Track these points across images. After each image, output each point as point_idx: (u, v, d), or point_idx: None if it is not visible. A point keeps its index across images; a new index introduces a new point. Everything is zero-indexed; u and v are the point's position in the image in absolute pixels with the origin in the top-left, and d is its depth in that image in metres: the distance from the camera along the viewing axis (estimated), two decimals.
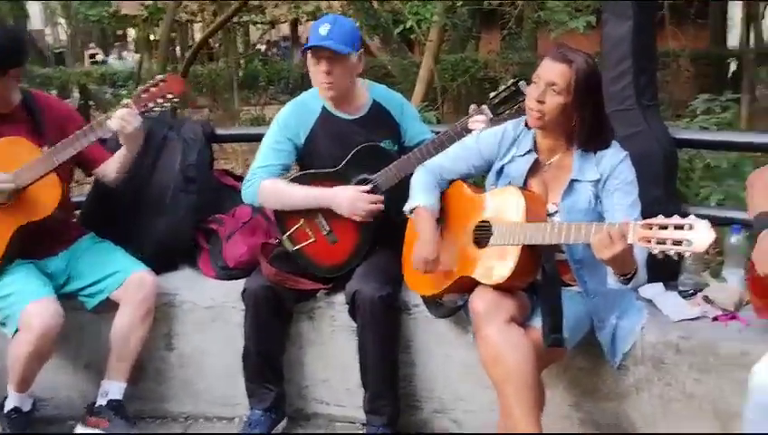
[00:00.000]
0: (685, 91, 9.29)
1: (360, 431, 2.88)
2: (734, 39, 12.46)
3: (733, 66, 11.12)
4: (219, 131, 3.71)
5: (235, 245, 3.11)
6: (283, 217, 2.88)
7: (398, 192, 2.73)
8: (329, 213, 2.80)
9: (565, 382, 2.65)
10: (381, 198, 2.76)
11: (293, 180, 2.88)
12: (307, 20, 14.12)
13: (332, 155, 2.84)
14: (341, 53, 2.69)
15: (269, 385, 2.85)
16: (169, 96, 2.76)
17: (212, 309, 3.02)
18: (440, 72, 9.28)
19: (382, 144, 2.86)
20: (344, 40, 2.71)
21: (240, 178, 3.31)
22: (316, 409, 3.03)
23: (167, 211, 3.17)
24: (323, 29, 2.71)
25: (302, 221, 2.84)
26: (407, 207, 2.59)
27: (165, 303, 3.01)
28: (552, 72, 2.29)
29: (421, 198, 2.55)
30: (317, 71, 2.76)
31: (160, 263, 3.07)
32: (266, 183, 2.83)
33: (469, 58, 10.63)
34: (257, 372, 2.84)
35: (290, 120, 2.89)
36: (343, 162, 2.81)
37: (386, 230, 2.82)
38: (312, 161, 2.90)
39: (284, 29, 24.28)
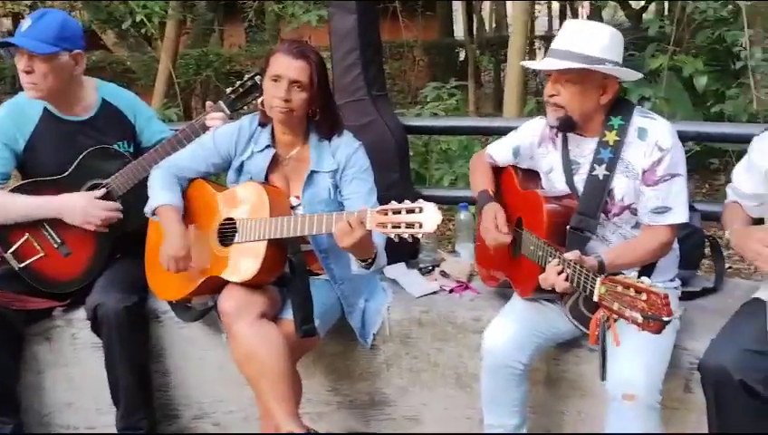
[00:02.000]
0: (420, 79, 9.93)
1: None
2: (460, 30, 13.54)
3: (462, 55, 12.09)
4: None
5: None
6: (5, 233, 2.61)
7: (136, 196, 2.60)
8: (58, 223, 2.59)
9: (321, 368, 2.71)
10: (117, 204, 2.61)
11: (14, 190, 2.61)
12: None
13: (59, 161, 2.62)
14: (35, 52, 2.49)
15: (4, 418, 2.58)
16: None
17: None
18: (183, 67, 8.99)
19: (115, 146, 2.70)
20: (47, 37, 2.49)
21: None
22: None
23: None
24: (25, 25, 2.50)
25: (27, 235, 2.59)
26: (147, 209, 2.47)
27: None
28: (293, 70, 2.30)
29: (162, 196, 2.45)
30: (20, 70, 2.53)
31: None
32: None
33: (213, 52, 10.39)
34: None
35: (5, 124, 2.62)
36: (71, 167, 2.61)
37: (125, 237, 2.67)
38: (35, 169, 2.66)
39: (7, 23, 21.93)
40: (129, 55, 8.85)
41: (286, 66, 2.31)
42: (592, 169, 2.20)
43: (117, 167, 2.64)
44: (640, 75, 2.22)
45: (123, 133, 2.75)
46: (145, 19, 6.03)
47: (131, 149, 2.75)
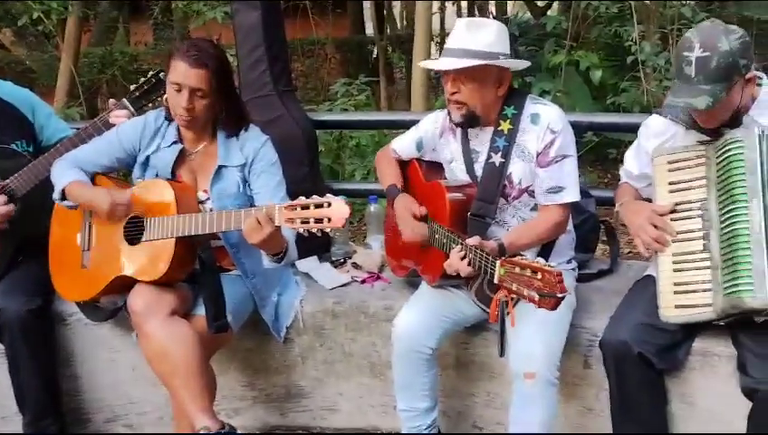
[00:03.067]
0: (333, 76, 9.92)
1: None
2: (371, 27, 13.61)
3: (375, 53, 12.16)
4: None
5: None
6: None
7: (38, 196, 2.53)
8: None
9: (236, 364, 2.72)
10: (10, 205, 2.53)
11: None
12: None
13: None
14: None
15: None
16: None
17: None
18: (87, 66, 8.71)
19: (13, 145, 2.62)
20: None
21: None
22: None
23: None
24: None
25: None
26: (56, 194, 2.40)
27: None
28: (192, 79, 2.28)
29: (67, 176, 2.39)
30: None
31: None
32: None
33: (118, 50, 10.09)
34: None
35: None
36: None
37: (27, 240, 2.60)
38: None
39: None
40: (28, 54, 8.50)
41: (185, 75, 2.28)
42: (489, 157, 2.29)
43: (15, 167, 2.56)
44: (528, 64, 2.34)
45: (21, 132, 2.67)
46: (42, 16, 5.80)
47: (31, 149, 2.68)
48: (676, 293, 2.08)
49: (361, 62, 11.75)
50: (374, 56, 11.17)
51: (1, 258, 2.57)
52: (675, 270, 2.10)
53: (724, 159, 2.02)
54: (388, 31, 10.72)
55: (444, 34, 10.63)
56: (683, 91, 1.97)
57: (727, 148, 2.00)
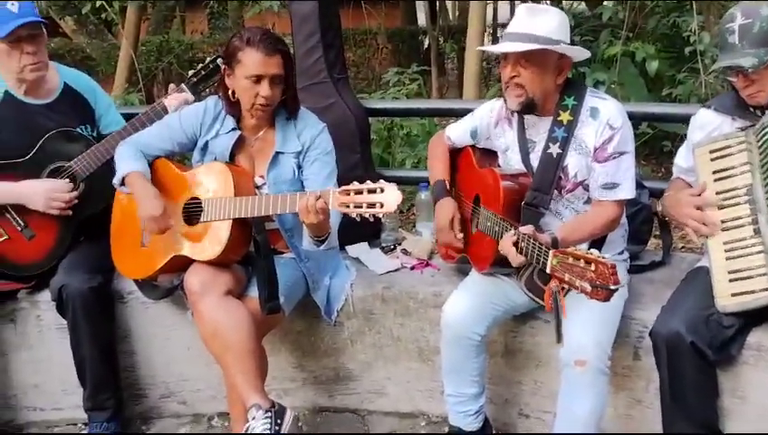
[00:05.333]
0: (384, 66, 9.95)
1: (83, 432, 2.75)
2: (423, 17, 13.57)
3: (426, 43, 12.12)
4: None
5: None
6: None
7: (100, 178, 2.62)
8: (22, 206, 2.60)
9: (287, 345, 2.77)
10: (73, 189, 2.62)
11: None
12: None
13: (20, 144, 2.62)
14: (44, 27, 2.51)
15: None
16: None
17: None
18: (144, 54, 8.89)
19: (78, 129, 2.71)
20: (38, 14, 2.54)
21: None
22: (29, 417, 2.82)
23: None
24: (13, 7, 2.48)
25: None
26: (116, 180, 2.47)
27: None
28: (272, 67, 2.33)
29: (129, 165, 2.44)
30: (18, 54, 2.53)
31: None
32: None
33: (174, 39, 10.28)
34: None
35: None
36: (33, 150, 2.61)
37: (89, 220, 2.69)
38: None
39: None
40: (88, 42, 8.72)
41: (264, 64, 2.32)
42: (547, 147, 2.28)
43: (79, 150, 2.65)
44: (589, 54, 2.32)
45: (85, 117, 2.76)
46: (105, 4, 5.95)
47: (94, 134, 2.77)
48: (731, 281, 2.06)
49: (413, 52, 11.74)
50: (425, 47, 11.14)
51: (64, 238, 2.67)
52: (727, 258, 2.08)
53: (764, 143, 2.01)
54: (441, 21, 10.66)
55: (497, 25, 10.55)
56: (727, 57, 1.98)
57: (766, 131, 1.98)
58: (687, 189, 2.24)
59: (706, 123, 2.24)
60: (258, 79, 2.33)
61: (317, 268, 2.60)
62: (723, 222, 2.11)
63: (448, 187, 2.52)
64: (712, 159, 2.14)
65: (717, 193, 2.13)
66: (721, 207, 2.11)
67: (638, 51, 4.62)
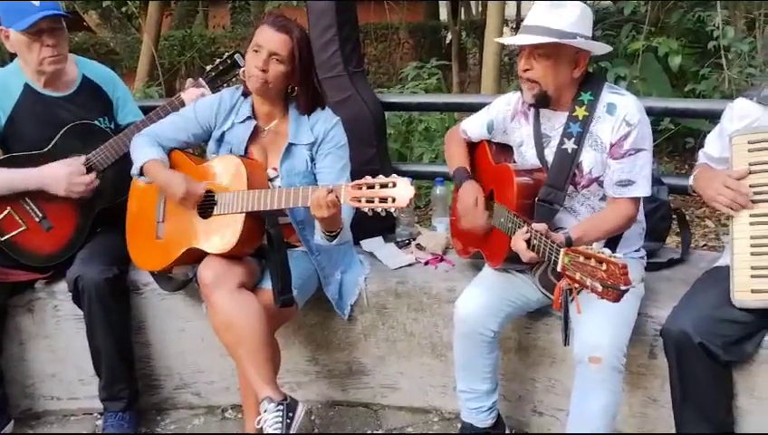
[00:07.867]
0: (405, 61, 9.93)
1: (98, 422, 2.78)
2: (445, 12, 13.51)
3: (448, 38, 12.08)
4: None
5: None
6: None
7: (117, 171, 2.64)
8: (39, 198, 2.62)
9: (300, 339, 2.78)
10: (96, 180, 2.64)
11: None
12: None
13: (40, 137, 2.64)
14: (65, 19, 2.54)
15: None
16: None
17: None
18: (167, 48, 8.96)
19: (96, 122, 2.73)
20: (59, 8, 2.56)
21: None
22: (46, 406, 2.85)
23: None
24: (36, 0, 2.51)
25: (8, 209, 2.62)
26: (134, 170, 2.48)
27: None
28: (273, 42, 2.35)
29: (147, 153, 2.46)
30: (38, 46, 2.56)
31: None
32: None
33: (197, 34, 10.36)
34: None
35: None
36: (51, 143, 2.63)
37: (106, 212, 2.71)
38: (16, 144, 2.67)
39: None
40: (112, 36, 8.80)
41: (268, 38, 2.35)
42: (562, 142, 2.25)
43: (98, 142, 2.67)
44: (609, 48, 2.28)
45: (103, 109, 2.79)
46: None
47: (112, 126, 2.79)
48: (753, 277, 2.02)
49: (434, 47, 11.71)
50: (447, 42, 11.10)
51: (81, 229, 2.69)
52: (752, 253, 2.03)
53: None
54: (463, 16, 10.61)
55: (519, 20, 10.47)
56: None
57: None
58: (725, 170, 2.18)
59: (746, 114, 2.18)
60: (258, 49, 2.36)
61: (328, 262, 2.60)
62: (753, 217, 2.07)
63: (470, 174, 2.49)
64: (749, 151, 2.09)
65: (751, 186, 2.08)
66: (754, 202, 2.07)
67: (660, 46, 4.56)
